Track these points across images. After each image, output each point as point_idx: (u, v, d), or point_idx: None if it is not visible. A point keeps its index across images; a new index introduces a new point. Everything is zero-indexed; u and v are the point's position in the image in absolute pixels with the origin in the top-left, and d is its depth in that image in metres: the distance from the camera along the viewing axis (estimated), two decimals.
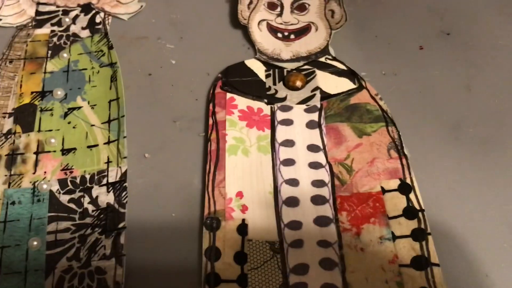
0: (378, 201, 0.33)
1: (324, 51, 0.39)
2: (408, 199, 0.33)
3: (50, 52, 0.38)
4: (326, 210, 0.32)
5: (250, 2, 0.41)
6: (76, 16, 0.40)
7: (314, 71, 0.38)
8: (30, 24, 0.40)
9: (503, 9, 0.43)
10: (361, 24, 0.41)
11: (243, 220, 0.32)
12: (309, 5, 0.41)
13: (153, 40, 0.40)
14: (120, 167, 0.33)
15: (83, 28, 0.40)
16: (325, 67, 0.38)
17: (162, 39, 0.40)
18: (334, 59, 0.39)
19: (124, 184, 0.32)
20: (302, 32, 0.40)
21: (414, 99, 0.37)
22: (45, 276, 0.30)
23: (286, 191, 0.33)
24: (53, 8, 0.41)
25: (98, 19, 0.40)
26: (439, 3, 0.43)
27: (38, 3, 0.41)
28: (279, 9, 0.41)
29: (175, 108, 0.37)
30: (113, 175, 0.33)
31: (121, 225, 0.31)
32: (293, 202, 0.33)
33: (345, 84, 0.38)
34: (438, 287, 0.30)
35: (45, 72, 0.37)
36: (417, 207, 0.32)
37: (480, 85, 0.38)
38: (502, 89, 0.38)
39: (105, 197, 0.32)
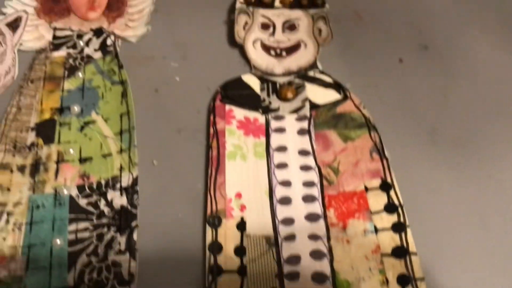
0: (362, 198, 0.37)
1: (313, 65, 0.44)
2: (389, 196, 0.36)
3: (66, 72, 0.43)
4: (316, 207, 0.36)
5: (246, 23, 0.45)
6: (89, 39, 0.45)
7: (303, 84, 0.42)
8: (48, 48, 0.44)
9: (476, 23, 0.47)
10: (345, 40, 0.45)
11: (242, 218, 0.36)
12: (298, 24, 0.46)
13: (159, 59, 0.44)
14: (131, 173, 0.37)
15: (95, 50, 0.44)
16: (314, 80, 0.43)
17: (167, 58, 0.44)
18: (322, 72, 0.43)
19: (136, 188, 0.37)
20: (293, 49, 0.44)
21: (394, 107, 0.41)
22: (67, 270, 0.34)
23: (280, 191, 0.37)
24: (68, 32, 0.45)
25: (109, 41, 0.45)
26: (417, 18, 0.47)
27: (55, 28, 0.45)
28: (271, 29, 0.45)
29: (180, 120, 0.41)
30: (125, 181, 0.37)
31: (133, 224, 0.35)
32: (286, 200, 0.37)
33: (332, 95, 0.42)
34: (416, 273, 0.33)
35: (62, 91, 0.42)
36: (397, 203, 0.36)
37: (455, 94, 0.42)
38: (475, 97, 0.42)
39: (119, 200, 0.36)
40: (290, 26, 0.46)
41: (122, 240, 0.34)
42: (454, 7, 0.47)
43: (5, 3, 0.45)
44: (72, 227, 0.35)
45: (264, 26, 0.45)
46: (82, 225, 0.35)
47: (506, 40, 0.46)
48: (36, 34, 0.45)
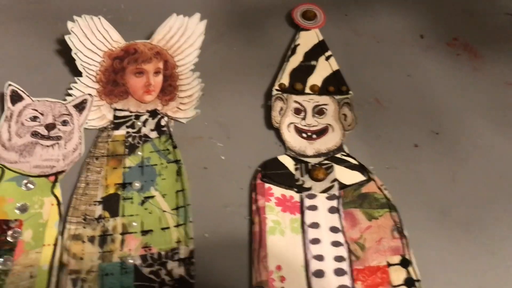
0: (384, 273, 0.43)
1: (340, 148, 0.50)
2: (408, 272, 0.43)
3: (127, 150, 0.49)
4: (346, 280, 0.42)
5: (281, 109, 0.52)
6: (146, 120, 0.51)
7: (332, 165, 0.49)
8: (109, 126, 0.51)
9: (484, 111, 0.54)
10: (367, 125, 0.52)
11: None
12: (326, 110, 0.52)
13: (206, 139, 0.51)
14: (188, 246, 0.43)
15: (151, 130, 0.51)
16: (341, 162, 0.49)
17: (213, 138, 0.51)
18: (348, 155, 0.50)
19: (192, 260, 0.43)
20: (321, 132, 0.51)
21: (410, 189, 0.48)
22: None
23: (314, 265, 0.43)
24: (127, 113, 0.52)
25: (163, 122, 0.51)
26: (429, 106, 0.54)
27: (115, 109, 0.52)
28: (303, 113, 0.52)
29: (226, 196, 0.47)
30: (183, 253, 0.43)
31: None
32: (320, 274, 0.43)
33: (357, 177, 0.48)
34: None
35: (124, 167, 0.48)
36: (415, 277, 0.42)
37: (463, 177, 0.49)
38: (482, 181, 0.49)
39: (178, 270, 0.42)
40: (319, 111, 0.52)
41: None
42: (461, 96, 0.54)
43: (70, 85, 0.52)
44: None
45: (297, 111, 0.52)
46: None
47: (507, 126, 0.53)
48: (98, 114, 0.51)
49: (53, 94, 0.52)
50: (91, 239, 0.44)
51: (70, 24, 0.53)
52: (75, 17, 0.53)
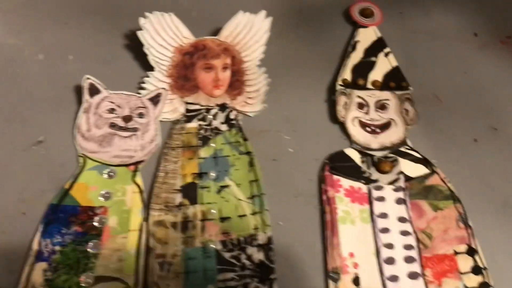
0: (452, 261, 0.45)
1: (403, 142, 0.52)
2: (474, 260, 0.45)
3: (200, 142, 0.52)
4: (415, 267, 0.45)
5: (345, 104, 0.54)
6: (216, 113, 0.54)
7: (397, 159, 0.51)
8: (182, 119, 0.54)
9: None
10: (428, 121, 0.54)
11: (356, 274, 0.45)
12: (388, 105, 0.55)
13: (274, 132, 0.53)
14: (265, 233, 0.46)
15: (221, 123, 0.53)
16: (405, 155, 0.51)
17: (280, 131, 0.53)
18: (411, 149, 0.52)
19: (271, 246, 0.45)
20: (385, 127, 0.53)
21: (472, 182, 0.50)
22: None
23: (385, 252, 0.46)
24: (198, 107, 0.54)
25: (232, 115, 0.54)
26: (486, 102, 0.56)
27: (186, 103, 0.54)
28: (366, 108, 0.54)
29: (295, 187, 0.50)
30: (261, 239, 0.46)
31: (272, 276, 0.44)
32: (390, 261, 0.45)
33: (421, 169, 0.51)
34: None
35: (199, 158, 0.51)
36: (481, 265, 0.45)
37: None
38: None
39: (257, 255, 0.45)
40: (381, 106, 0.54)
41: None
42: None
43: (143, 79, 0.55)
44: (221, 276, 0.44)
45: (360, 106, 0.54)
46: (229, 275, 0.44)
47: None
48: (171, 107, 0.54)
49: (126, 87, 0.54)
50: (174, 225, 0.47)
51: (142, 20, 0.55)
52: (146, 14, 0.55)
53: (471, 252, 0.45)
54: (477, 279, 0.44)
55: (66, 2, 0.62)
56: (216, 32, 0.57)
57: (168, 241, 0.46)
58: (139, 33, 0.55)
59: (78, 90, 0.54)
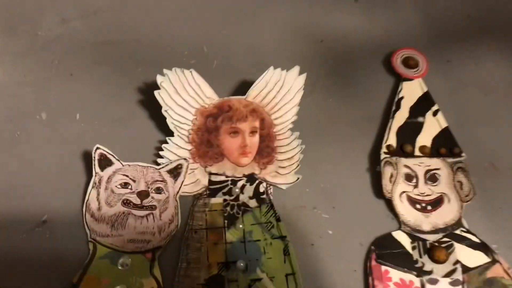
0: None
1: (459, 223, 0.46)
2: None
3: (226, 221, 0.45)
4: None
5: (391, 176, 0.48)
6: (243, 186, 0.47)
7: (452, 244, 0.45)
8: (204, 193, 0.47)
9: None
10: (485, 196, 0.47)
11: None
12: (439, 175, 0.48)
13: (310, 209, 0.47)
14: None
15: (250, 198, 0.47)
16: (462, 239, 0.45)
17: (317, 208, 0.47)
18: (468, 231, 0.45)
19: None
20: (437, 203, 0.47)
21: None
22: None
23: None
24: (223, 178, 0.48)
25: (261, 188, 0.47)
26: None
27: (210, 173, 0.48)
28: (415, 180, 0.48)
29: (338, 279, 0.43)
30: None
31: None
32: None
33: (481, 258, 0.44)
34: None
35: (225, 243, 0.44)
36: None
37: None
38: None
39: None
40: (431, 177, 0.48)
41: None
42: None
43: (162, 146, 0.48)
44: None
45: (408, 177, 0.48)
46: None
47: None
48: (193, 179, 0.47)
49: (141, 153, 0.48)
50: None
51: (159, 79, 0.48)
52: (165, 71, 0.48)
53: None
54: None
55: (71, 50, 0.55)
56: (243, 90, 0.50)
57: None
58: (156, 93, 0.48)
59: (87, 157, 0.48)
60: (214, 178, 0.48)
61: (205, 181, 0.48)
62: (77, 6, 0.58)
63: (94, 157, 0.46)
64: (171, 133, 0.49)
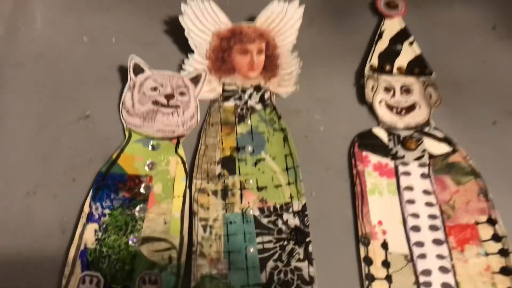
0: (473, 230, 0.49)
1: (428, 123, 0.56)
2: (495, 229, 0.48)
3: (237, 119, 0.56)
4: (440, 234, 0.48)
5: (373, 87, 0.58)
6: (251, 93, 0.58)
7: (421, 138, 0.55)
8: (219, 98, 0.57)
9: None
10: (450, 105, 0.57)
11: (384, 240, 0.48)
12: (412, 89, 0.58)
13: (305, 112, 0.57)
14: (300, 201, 0.50)
15: (256, 103, 0.57)
16: (429, 135, 0.55)
17: (312, 111, 0.57)
18: (435, 129, 0.55)
19: (305, 212, 0.49)
20: (410, 109, 0.57)
21: (492, 160, 0.53)
22: (260, 271, 0.46)
23: (411, 221, 0.49)
24: (234, 87, 0.58)
25: (266, 95, 0.58)
26: (504, 89, 0.59)
27: (224, 83, 0.58)
28: (392, 92, 0.58)
29: (327, 161, 0.53)
30: (296, 206, 0.49)
31: (307, 239, 0.47)
32: (416, 229, 0.49)
33: (444, 148, 0.54)
34: None
35: (236, 134, 0.54)
36: (501, 234, 0.48)
37: None
38: None
39: (293, 221, 0.48)
40: (406, 90, 0.58)
41: (300, 251, 0.47)
42: None
43: (184, 61, 0.58)
44: (259, 239, 0.48)
45: (386, 90, 0.58)
46: (267, 238, 0.48)
47: None
48: (209, 87, 0.58)
49: (166, 68, 0.58)
50: (215, 193, 0.50)
51: (183, 6, 0.59)
52: (188, 0, 0.59)
53: (491, 222, 0.49)
54: (497, 246, 0.48)
55: None
56: (252, 18, 0.61)
57: (210, 207, 0.49)
58: (180, 18, 0.59)
59: (122, 70, 0.58)
60: (227, 87, 0.58)
61: (219, 89, 0.58)
62: None
63: (130, 65, 0.56)
64: (192, 52, 0.59)
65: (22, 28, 0.62)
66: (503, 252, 0.47)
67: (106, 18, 0.64)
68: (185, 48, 0.60)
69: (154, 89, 0.56)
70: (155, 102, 0.56)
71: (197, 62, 0.59)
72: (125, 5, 0.65)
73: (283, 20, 0.60)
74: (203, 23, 0.59)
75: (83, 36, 0.62)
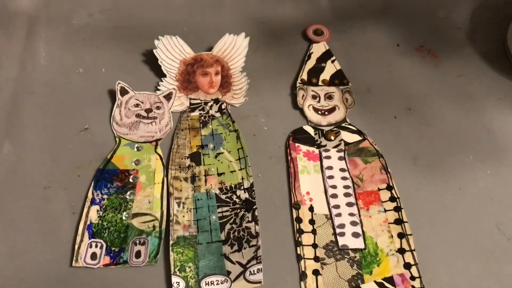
0: (376, 194, 0.67)
1: (344, 120, 0.74)
2: (391, 193, 0.67)
3: (201, 125, 0.73)
4: (351, 199, 0.66)
5: (302, 96, 0.76)
6: (211, 105, 0.76)
7: (339, 131, 0.73)
8: (187, 110, 0.75)
9: (442, 95, 0.78)
10: (362, 105, 0.76)
11: (311, 205, 0.66)
12: (333, 96, 0.77)
13: (253, 117, 0.75)
14: (249, 181, 0.67)
15: (215, 112, 0.75)
16: (345, 128, 0.73)
17: (258, 116, 0.75)
18: (350, 124, 0.74)
19: (253, 189, 0.66)
20: (331, 110, 0.75)
21: (392, 144, 0.72)
22: (220, 232, 0.63)
23: (330, 191, 0.67)
24: (198, 101, 0.76)
25: (223, 106, 0.76)
26: (404, 91, 0.78)
27: (190, 99, 0.76)
28: (318, 98, 0.76)
29: (270, 151, 0.71)
30: (246, 184, 0.67)
31: (254, 207, 0.65)
32: (334, 196, 0.67)
33: (356, 137, 0.72)
34: (407, 232, 0.63)
35: (201, 135, 0.72)
36: (396, 196, 0.66)
37: (428, 136, 0.73)
38: (441, 138, 0.73)
39: (244, 195, 0.66)
40: (328, 97, 0.77)
41: (249, 215, 0.64)
42: (426, 85, 0.79)
43: (159, 83, 0.76)
44: (219, 210, 0.65)
45: (314, 97, 0.77)
46: (225, 208, 0.65)
47: (457, 104, 0.77)
48: (179, 102, 0.75)
49: (146, 89, 0.76)
50: (186, 179, 0.68)
51: (156, 42, 0.77)
52: (160, 37, 0.77)
53: (389, 188, 0.67)
54: (392, 205, 0.66)
55: (96, 30, 0.84)
56: (209, 48, 0.79)
57: (182, 189, 0.67)
58: (154, 51, 0.77)
59: (111, 93, 0.76)
60: (193, 101, 0.76)
61: (187, 103, 0.76)
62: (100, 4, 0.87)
63: (117, 89, 0.74)
64: (165, 76, 0.77)
65: (30, 65, 0.79)
66: (396, 209, 0.65)
67: (97, 53, 0.81)
68: (159, 74, 0.77)
69: (137, 105, 0.74)
70: (138, 115, 0.73)
71: (169, 84, 0.77)
72: (111, 42, 0.82)
73: (233, 48, 0.79)
74: (172, 54, 0.77)
75: (79, 68, 0.79)
